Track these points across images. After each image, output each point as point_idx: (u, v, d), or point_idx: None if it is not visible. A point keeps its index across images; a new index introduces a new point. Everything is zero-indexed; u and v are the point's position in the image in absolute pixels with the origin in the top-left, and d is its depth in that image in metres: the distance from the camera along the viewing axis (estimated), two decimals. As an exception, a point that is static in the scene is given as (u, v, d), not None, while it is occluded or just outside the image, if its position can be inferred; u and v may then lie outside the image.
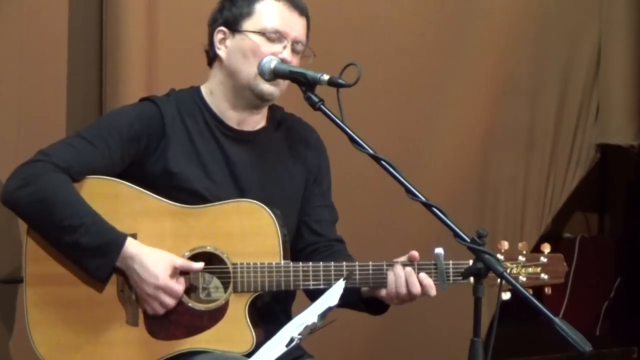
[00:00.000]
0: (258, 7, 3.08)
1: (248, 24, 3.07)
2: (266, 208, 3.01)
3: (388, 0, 4.45)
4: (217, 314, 2.99)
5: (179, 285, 2.96)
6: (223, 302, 2.99)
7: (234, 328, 2.97)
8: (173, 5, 3.92)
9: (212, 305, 2.99)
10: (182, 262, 2.98)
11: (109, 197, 2.99)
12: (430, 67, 4.55)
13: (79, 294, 2.99)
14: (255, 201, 3.02)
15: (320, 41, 4.21)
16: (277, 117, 3.21)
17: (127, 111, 3.12)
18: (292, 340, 2.48)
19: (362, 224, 4.25)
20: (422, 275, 2.99)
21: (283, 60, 3.03)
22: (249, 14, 3.08)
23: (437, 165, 4.57)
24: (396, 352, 4.52)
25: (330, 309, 2.54)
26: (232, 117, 3.12)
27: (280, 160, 3.18)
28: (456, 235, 2.69)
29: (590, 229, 5.60)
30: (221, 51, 3.10)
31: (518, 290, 2.64)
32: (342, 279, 2.72)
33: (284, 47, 3.06)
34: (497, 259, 2.65)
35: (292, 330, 2.56)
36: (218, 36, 3.11)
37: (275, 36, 3.06)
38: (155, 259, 2.96)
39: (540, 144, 4.90)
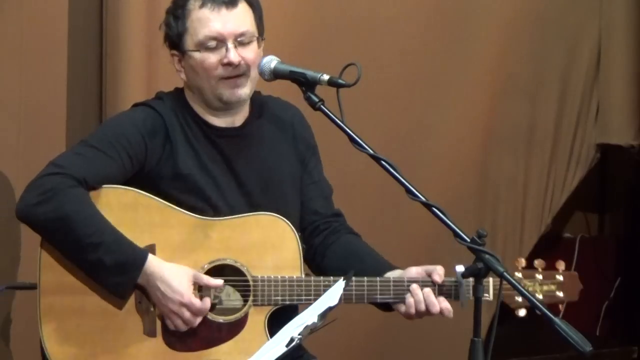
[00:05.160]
0: (188, 22, 3.06)
1: (188, 42, 3.06)
2: (287, 221, 3.02)
3: (388, 0, 4.45)
4: (236, 327, 2.98)
5: (204, 304, 2.93)
6: (242, 314, 2.98)
7: (254, 340, 2.94)
8: (173, 5, 3.91)
9: (231, 318, 2.98)
10: (203, 278, 2.95)
11: (128, 208, 2.96)
12: (430, 67, 4.55)
13: (95, 304, 2.94)
14: (276, 215, 3.02)
15: (320, 41, 4.24)
16: (257, 103, 3.20)
17: (131, 116, 3.10)
18: (292, 340, 2.48)
19: (361, 224, 4.22)
20: (441, 298, 3.02)
21: (230, 63, 3.01)
22: (184, 31, 3.06)
23: (437, 165, 4.57)
24: (397, 352, 4.51)
25: (330, 309, 2.53)
26: (220, 121, 3.11)
27: (271, 148, 3.17)
28: (456, 235, 2.69)
29: (590, 229, 5.59)
30: (182, 73, 3.10)
31: (519, 290, 2.64)
32: (342, 279, 2.71)
33: (227, 50, 3.02)
34: (497, 259, 2.64)
35: (292, 330, 2.56)
36: (174, 59, 3.11)
37: (214, 44, 3.03)
38: (179, 275, 2.92)
39: (540, 144, 4.89)
